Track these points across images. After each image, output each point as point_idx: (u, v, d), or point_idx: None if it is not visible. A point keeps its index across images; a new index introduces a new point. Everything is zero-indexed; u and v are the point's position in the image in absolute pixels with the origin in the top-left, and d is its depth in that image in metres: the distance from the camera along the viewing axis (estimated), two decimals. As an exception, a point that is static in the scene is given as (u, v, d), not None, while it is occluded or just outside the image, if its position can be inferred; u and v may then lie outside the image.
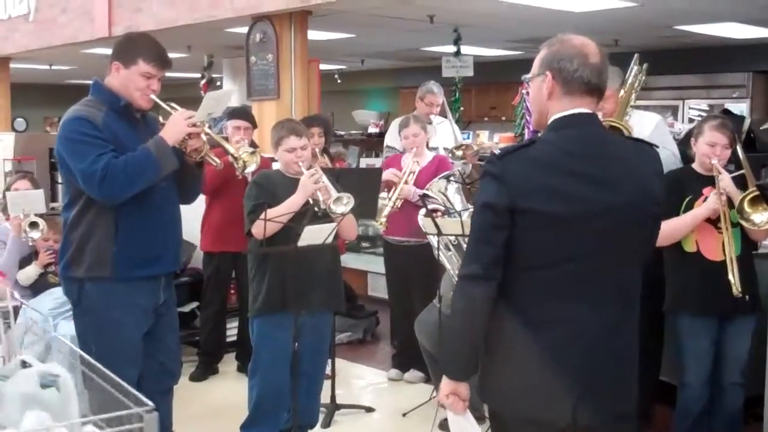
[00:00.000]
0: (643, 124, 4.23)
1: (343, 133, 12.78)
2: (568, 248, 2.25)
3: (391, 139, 6.23)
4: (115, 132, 3.40)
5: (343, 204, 3.92)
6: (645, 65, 4.37)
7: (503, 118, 11.65)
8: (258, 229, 3.82)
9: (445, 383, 2.42)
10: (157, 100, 3.55)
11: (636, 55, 4.39)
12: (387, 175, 5.34)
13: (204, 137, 3.57)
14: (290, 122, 4.26)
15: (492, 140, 8.51)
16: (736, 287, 3.74)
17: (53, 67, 13.52)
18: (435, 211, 4.86)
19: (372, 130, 13.32)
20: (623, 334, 2.33)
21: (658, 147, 2.44)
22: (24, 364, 2.16)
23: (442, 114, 6.34)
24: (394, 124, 6.24)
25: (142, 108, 3.54)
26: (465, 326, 2.34)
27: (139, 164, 3.36)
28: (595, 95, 2.34)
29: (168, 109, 3.60)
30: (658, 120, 4.41)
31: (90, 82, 3.60)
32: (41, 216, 4.66)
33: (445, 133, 6.25)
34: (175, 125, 3.49)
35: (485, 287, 2.27)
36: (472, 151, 6.21)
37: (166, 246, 3.60)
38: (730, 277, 3.75)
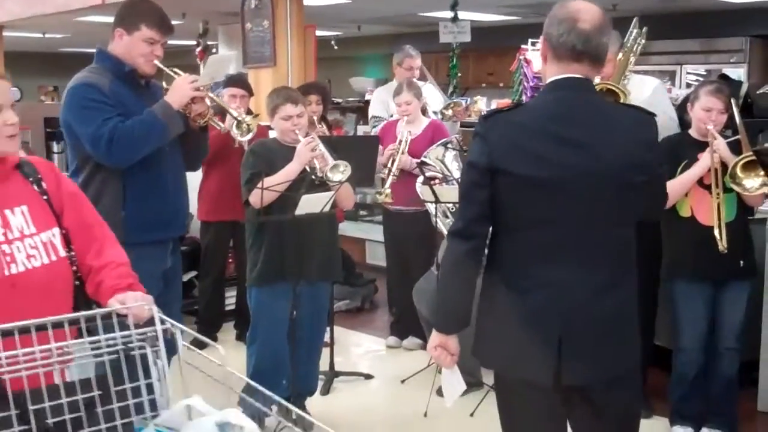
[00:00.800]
0: (642, 88, 4.23)
1: (340, 100, 12.71)
2: (543, 211, 2.30)
3: (377, 108, 6.22)
4: (121, 98, 3.45)
5: (340, 172, 3.94)
6: (644, 29, 4.36)
7: (501, 84, 11.61)
8: (255, 198, 3.84)
9: (434, 335, 2.50)
10: (161, 66, 3.58)
11: (635, 19, 4.38)
12: (385, 154, 5.33)
13: (208, 101, 3.63)
14: (286, 90, 4.27)
15: (489, 106, 8.48)
16: (722, 244, 3.76)
17: (46, 35, 13.43)
18: (433, 178, 4.88)
19: (369, 97, 13.27)
20: (614, 296, 2.34)
21: (655, 115, 2.44)
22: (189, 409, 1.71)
23: (422, 78, 6.31)
24: (378, 92, 6.25)
25: (146, 74, 3.57)
26: (450, 280, 2.45)
27: (146, 127, 3.42)
28: (585, 61, 2.33)
29: (171, 74, 3.64)
30: (656, 84, 4.42)
31: (85, 50, 3.62)
32: None
33: (431, 96, 6.22)
34: (180, 89, 3.53)
35: (467, 243, 2.37)
36: (461, 107, 6.22)
37: (175, 210, 3.66)
38: (716, 233, 3.77)
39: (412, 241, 5.48)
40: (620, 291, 2.35)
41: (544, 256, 2.31)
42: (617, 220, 2.34)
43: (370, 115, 6.34)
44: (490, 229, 2.40)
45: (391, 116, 5.70)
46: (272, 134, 4.34)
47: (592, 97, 2.40)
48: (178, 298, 3.85)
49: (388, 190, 5.26)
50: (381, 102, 6.10)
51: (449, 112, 6.06)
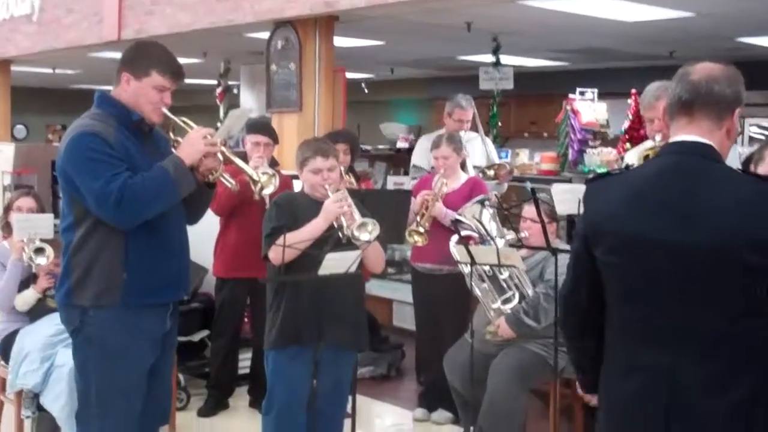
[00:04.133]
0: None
1: (369, 147, 12.79)
2: (633, 286, 2.31)
3: (419, 157, 6.26)
4: (128, 150, 3.44)
5: (367, 231, 3.94)
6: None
7: (545, 135, 11.64)
8: (276, 254, 3.88)
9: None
10: (169, 114, 3.58)
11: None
12: (418, 199, 5.37)
13: (220, 156, 3.59)
14: (317, 142, 4.33)
15: (532, 159, 8.50)
16: None
17: (57, 71, 13.68)
18: (468, 238, 4.91)
19: (401, 144, 13.33)
20: (729, 395, 2.20)
21: None
22: None
23: (473, 129, 6.37)
24: (422, 141, 6.28)
25: (152, 122, 3.58)
26: (570, 351, 2.70)
27: (156, 185, 3.40)
28: (697, 115, 2.30)
29: (181, 124, 3.63)
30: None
31: (97, 87, 3.65)
32: (48, 242, 4.73)
33: (476, 151, 6.27)
34: (193, 144, 3.51)
35: (567, 304, 2.56)
36: (506, 170, 6.22)
37: (178, 271, 3.67)
38: None
39: (443, 304, 5.48)
40: (738, 390, 2.21)
41: (635, 338, 2.31)
42: (733, 305, 2.22)
43: (411, 164, 6.39)
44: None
45: (432, 168, 5.74)
46: (298, 186, 4.37)
47: (706, 164, 2.29)
48: (171, 363, 3.90)
49: (421, 229, 5.28)
50: (424, 151, 6.12)
51: (491, 173, 6.09)
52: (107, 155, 3.36)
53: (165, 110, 3.54)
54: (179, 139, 3.61)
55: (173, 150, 3.58)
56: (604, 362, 2.43)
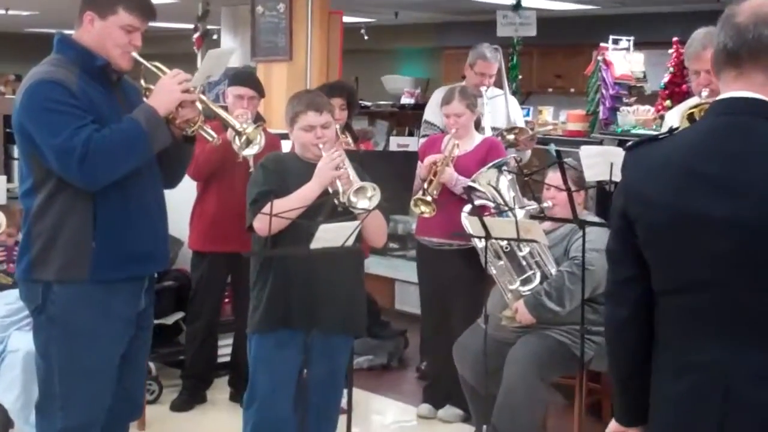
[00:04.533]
0: None
1: (369, 104, 12.77)
2: (682, 272, 2.27)
3: (432, 113, 6.23)
4: (92, 99, 3.44)
5: (366, 197, 3.94)
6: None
7: (572, 90, 11.59)
8: (262, 224, 3.87)
9: (612, 424, 2.56)
10: (140, 59, 3.58)
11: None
12: (426, 163, 5.34)
13: (199, 105, 3.60)
14: (309, 94, 4.31)
15: (557, 118, 8.44)
16: None
17: (9, 12, 13.63)
18: (483, 208, 4.89)
19: (406, 100, 13.32)
20: None
21: None
22: None
23: (498, 85, 6.34)
24: (436, 94, 6.24)
25: (121, 68, 3.57)
26: (614, 357, 2.51)
27: (127, 139, 3.40)
28: (745, 66, 2.24)
29: (154, 70, 3.62)
30: None
31: (54, 31, 3.62)
32: None
33: (499, 110, 6.25)
34: (167, 91, 3.51)
35: (620, 309, 2.42)
36: (527, 135, 6.18)
37: (155, 239, 3.68)
38: None
39: (453, 284, 5.47)
40: None
41: (691, 329, 2.28)
42: None
43: (423, 119, 6.37)
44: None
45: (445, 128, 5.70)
46: (287, 146, 4.36)
47: (760, 125, 2.24)
48: (146, 349, 3.89)
49: (429, 198, 5.25)
50: (438, 105, 6.10)
51: (510, 137, 6.05)
52: (70, 106, 3.36)
53: (135, 54, 3.54)
54: (151, 87, 3.60)
55: (145, 100, 3.57)
56: (652, 360, 2.40)
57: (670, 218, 2.26)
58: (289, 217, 3.84)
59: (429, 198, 5.27)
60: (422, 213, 5.33)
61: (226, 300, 6.05)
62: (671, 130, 2.38)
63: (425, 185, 5.31)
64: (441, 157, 5.33)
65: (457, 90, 5.55)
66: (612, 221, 2.44)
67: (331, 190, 3.98)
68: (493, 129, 6.05)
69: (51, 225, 3.46)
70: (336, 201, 3.95)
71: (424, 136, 6.19)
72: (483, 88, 6.07)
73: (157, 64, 3.64)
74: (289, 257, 3.96)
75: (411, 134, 11.24)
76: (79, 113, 3.36)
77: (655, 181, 2.30)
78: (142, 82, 3.69)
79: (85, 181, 3.38)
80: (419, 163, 5.37)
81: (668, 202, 2.25)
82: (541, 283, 4.69)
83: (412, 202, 5.27)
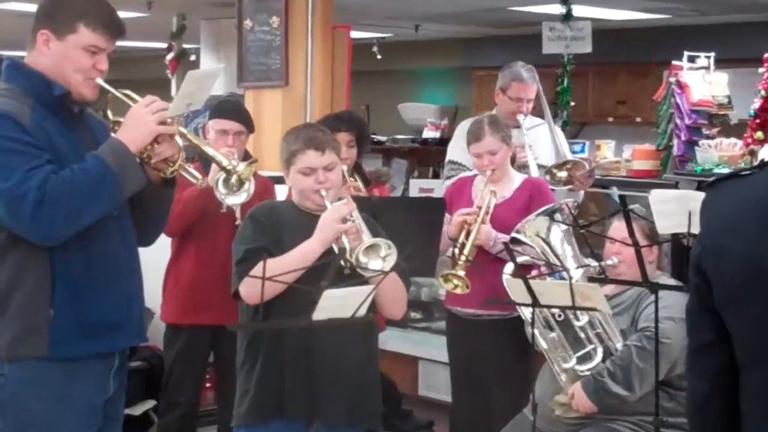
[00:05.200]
0: None
1: (384, 138, 12.86)
2: (765, 339, 2.28)
3: (457, 151, 6.24)
4: (49, 135, 3.47)
5: (380, 256, 3.96)
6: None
7: (638, 120, 11.66)
8: (251, 290, 3.89)
9: None
10: (106, 86, 3.61)
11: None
12: (455, 220, 5.30)
13: (179, 140, 3.63)
14: (309, 129, 4.36)
15: (620, 155, 8.46)
16: None
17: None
18: (529, 267, 4.89)
19: (429, 134, 13.39)
20: None
21: None
22: None
23: (538, 113, 6.35)
24: (460, 128, 6.25)
25: (83, 98, 3.60)
26: None
27: (91, 181, 3.41)
28: None
29: (123, 98, 3.66)
30: None
31: (3, 53, 3.66)
32: None
33: (542, 143, 6.26)
34: (140, 123, 3.54)
35: (701, 382, 2.45)
36: (584, 171, 6.17)
37: (128, 306, 3.68)
38: None
39: (493, 362, 5.47)
40: None
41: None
42: None
43: (446, 159, 6.37)
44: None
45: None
46: (282, 193, 4.38)
47: None
48: None
49: (461, 273, 5.22)
50: (465, 142, 6.09)
51: (562, 174, 6.02)
52: (22, 143, 3.39)
53: (100, 81, 3.58)
54: (120, 119, 3.64)
55: (113, 135, 3.60)
56: None
57: (752, 272, 2.26)
58: (285, 281, 3.85)
59: (461, 271, 5.17)
60: (454, 289, 5.25)
61: (208, 385, 6.06)
62: (762, 165, 2.38)
63: (456, 250, 5.26)
64: (474, 211, 5.30)
65: (486, 121, 5.49)
66: (690, 277, 2.45)
67: (336, 248, 3.99)
68: (540, 167, 6.00)
69: (1, 288, 3.49)
70: (343, 261, 3.96)
71: (448, 177, 6.16)
72: (520, 117, 6.05)
73: (127, 91, 3.67)
74: (284, 331, 3.97)
75: (436, 176, 11.30)
76: (33, 152, 3.39)
77: (737, 226, 2.30)
78: (109, 113, 3.73)
79: (41, 234, 3.41)
80: (446, 216, 5.34)
81: (751, 251, 2.26)
82: (603, 360, 4.67)
83: (441, 278, 5.25)
